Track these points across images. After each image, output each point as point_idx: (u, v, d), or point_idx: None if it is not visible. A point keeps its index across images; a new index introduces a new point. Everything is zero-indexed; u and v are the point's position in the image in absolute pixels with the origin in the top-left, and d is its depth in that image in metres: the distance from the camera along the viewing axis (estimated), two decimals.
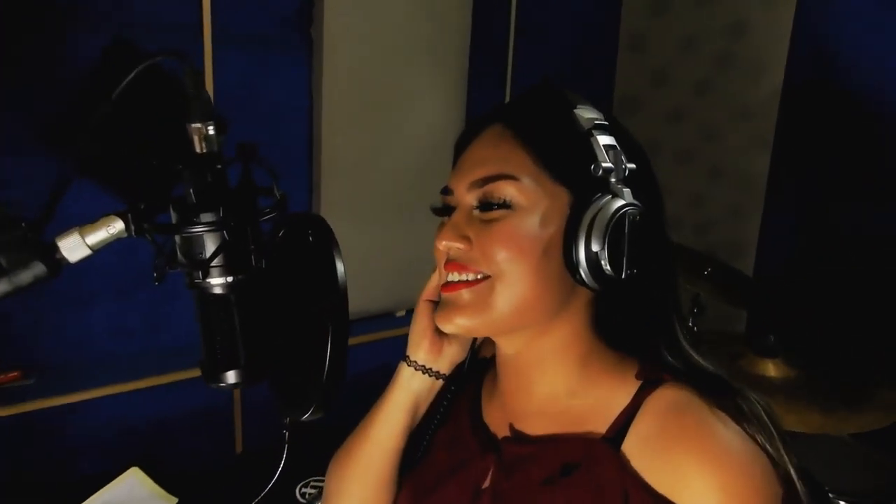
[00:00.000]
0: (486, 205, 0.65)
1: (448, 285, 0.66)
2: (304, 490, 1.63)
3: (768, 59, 2.55)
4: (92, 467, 1.81)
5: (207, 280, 0.50)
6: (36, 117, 1.65)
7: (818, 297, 2.17)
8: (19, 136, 1.64)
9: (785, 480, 0.59)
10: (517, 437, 0.70)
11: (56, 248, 0.47)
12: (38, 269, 0.46)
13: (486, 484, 0.69)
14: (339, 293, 0.50)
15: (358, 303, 2.24)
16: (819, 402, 1.31)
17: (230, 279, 0.50)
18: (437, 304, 0.72)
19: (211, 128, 0.49)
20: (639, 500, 0.58)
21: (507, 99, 2.50)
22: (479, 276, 0.64)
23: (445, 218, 0.69)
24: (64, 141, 1.63)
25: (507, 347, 0.70)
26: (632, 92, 2.86)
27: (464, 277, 0.65)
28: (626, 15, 2.85)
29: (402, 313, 2.34)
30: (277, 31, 2.02)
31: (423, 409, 0.77)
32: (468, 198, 0.67)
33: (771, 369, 1.46)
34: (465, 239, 0.65)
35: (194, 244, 0.49)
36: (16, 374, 1.76)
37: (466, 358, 0.77)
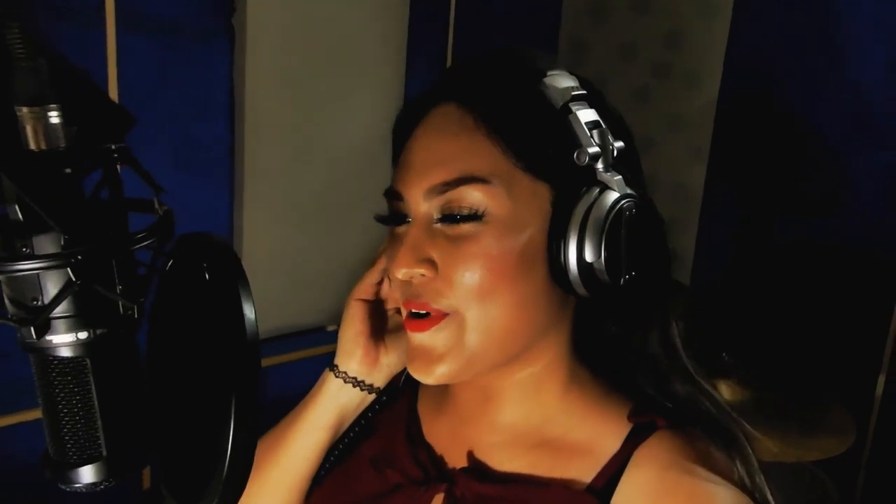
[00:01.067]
0: (449, 217, 0.52)
1: (414, 321, 0.54)
2: None
3: (704, 69, 2.57)
4: None
5: (48, 338, 0.34)
6: None
7: (759, 309, 2.16)
8: None
9: None
10: (478, 471, 0.58)
11: None
12: None
13: None
14: (246, 352, 0.35)
15: (286, 317, 2.08)
16: (779, 427, 1.24)
17: (83, 335, 0.34)
18: (371, 304, 0.62)
19: (54, 113, 0.33)
20: None
21: None
22: (445, 313, 0.53)
23: (401, 228, 0.55)
24: None
25: None
26: None
27: (425, 313, 0.53)
28: (566, 21, 2.80)
29: (333, 328, 2.18)
30: (194, 18, 1.82)
31: (345, 427, 0.64)
32: (425, 207, 0.53)
33: (724, 391, 1.39)
34: (429, 264, 0.52)
35: (25, 286, 0.33)
36: None
37: (405, 370, 0.64)
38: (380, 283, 0.63)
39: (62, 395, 0.35)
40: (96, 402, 0.36)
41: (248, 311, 0.36)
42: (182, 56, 1.82)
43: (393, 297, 0.62)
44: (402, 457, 0.61)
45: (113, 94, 1.68)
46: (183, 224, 0.42)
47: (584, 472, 0.55)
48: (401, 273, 0.53)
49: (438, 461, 0.61)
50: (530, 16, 2.69)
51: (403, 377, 0.65)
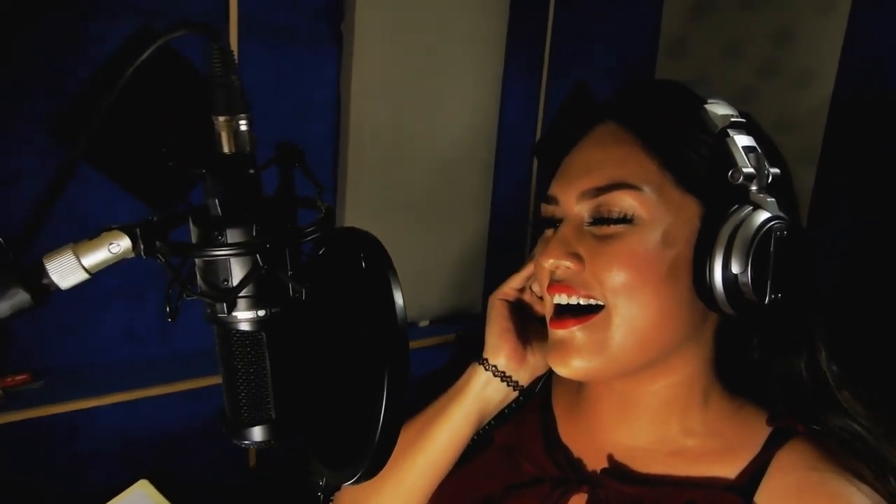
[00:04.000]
0: (600, 219, 0.55)
1: (557, 320, 0.57)
2: None
3: (817, 66, 2.44)
4: (98, 479, 1.73)
5: (233, 314, 0.39)
6: (45, 109, 1.57)
7: (874, 323, 2.03)
8: (28, 128, 1.57)
9: None
10: (621, 473, 0.60)
11: (43, 271, 0.37)
12: (19, 297, 0.36)
13: None
14: (399, 333, 0.40)
15: None
16: None
17: (262, 313, 0.40)
18: (512, 305, 0.66)
19: (243, 122, 0.39)
20: None
21: (542, 101, 2.40)
22: (590, 303, 0.55)
23: (549, 230, 0.59)
24: (70, 136, 1.54)
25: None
26: None
27: (573, 301, 0.56)
28: (667, 18, 2.74)
29: (425, 323, 2.24)
30: (306, 25, 1.93)
31: (484, 423, 0.66)
32: (578, 209, 0.57)
33: None
34: (576, 257, 0.56)
35: (218, 269, 0.39)
36: (24, 376, 1.70)
37: (544, 374, 0.67)
38: (522, 289, 0.66)
39: (240, 363, 0.41)
40: (269, 372, 0.41)
41: (398, 298, 0.40)
42: (292, 61, 1.93)
43: (537, 301, 0.65)
44: (537, 454, 0.64)
45: None
46: None
47: (726, 470, 0.56)
48: (548, 263, 0.56)
49: (576, 463, 0.63)
50: (630, 14, 2.65)
51: (540, 384, 0.68)
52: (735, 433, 0.59)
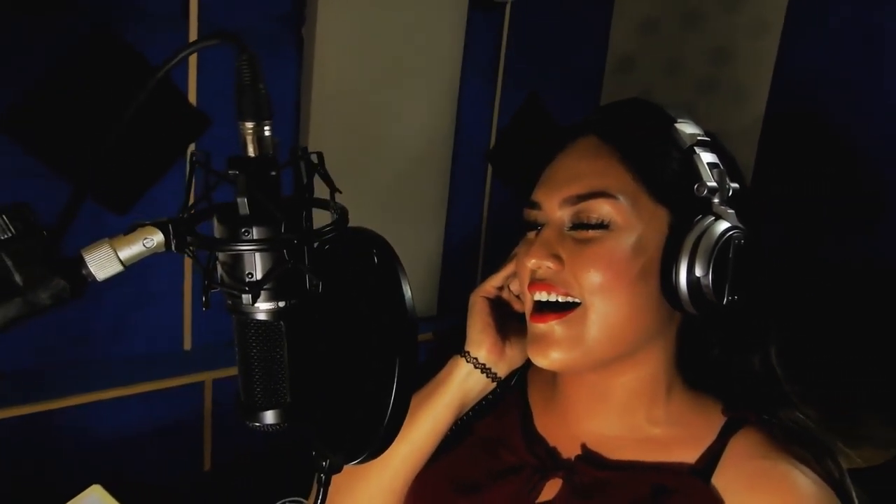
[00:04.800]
0: (580, 224, 0.61)
1: (537, 315, 0.62)
2: None
3: (752, 85, 2.59)
4: (50, 484, 1.68)
5: (256, 305, 0.42)
6: None
7: (797, 326, 2.17)
8: None
9: None
10: (595, 460, 0.66)
11: (82, 263, 0.39)
12: (60, 287, 0.38)
13: (548, 500, 0.65)
14: (408, 322, 0.44)
15: None
16: None
17: (281, 304, 0.43)
18: (492, 302, 0.69)
19: (267, 127, 0.42)
20: None
21: (496, 108, 2.47)
22: (568, 300, 0.61)
23: (532, 233, 0.64)
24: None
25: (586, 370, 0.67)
26: None
27: (552, 298, 0.61)
28: (615, 35, 2.87)
29: None
30: (267, 29, 1.94)
31: (464, 411, 0.71)
32: (559, 214, 0.63)
33: None
34: (557, 258, 0.61)
35: (244, 263, 0.42)
36: None
37: (520, 367, 0.71)
38: (501, 288, 0.71)
39: (258, 351, 0.44)
40: (286, 359, 0.44)
41: (408, 291, 0.44)
42: None
43: (514, 299, 0.70)
44: (516, 444, 0.69)
45: (192, 97, 1.80)
46: None
47: (687, 456, 0.63)
48: (531, 262, 0.62)
49: (552, 452, 0.68)
50: (580, 30, 2.76)
51: (515, 378, 0.72)
52: (695, 422, 0.65)
